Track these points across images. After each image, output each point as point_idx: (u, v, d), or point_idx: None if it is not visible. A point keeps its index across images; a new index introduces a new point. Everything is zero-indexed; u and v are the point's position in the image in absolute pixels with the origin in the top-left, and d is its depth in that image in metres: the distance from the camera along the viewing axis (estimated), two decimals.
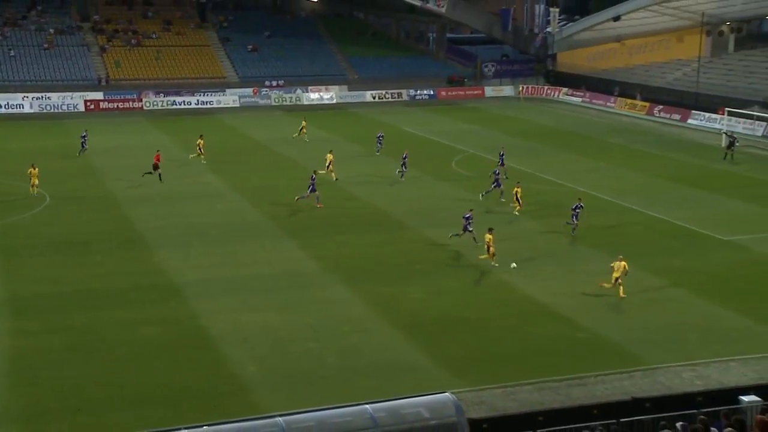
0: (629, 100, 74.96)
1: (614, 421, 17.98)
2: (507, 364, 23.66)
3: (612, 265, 28.51)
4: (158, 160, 44.81)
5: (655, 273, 30.73)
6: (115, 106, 73.19)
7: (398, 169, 46.38)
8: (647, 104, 72.52)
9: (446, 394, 16.56)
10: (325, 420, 15.91)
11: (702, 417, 15.80)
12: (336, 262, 32.25)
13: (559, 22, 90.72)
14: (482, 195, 41.36)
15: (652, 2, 75.19)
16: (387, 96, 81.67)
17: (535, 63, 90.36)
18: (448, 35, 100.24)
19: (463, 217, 33.66)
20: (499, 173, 42.14)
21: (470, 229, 33.42)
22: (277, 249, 33.99)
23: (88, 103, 72.79)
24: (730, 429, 13.12)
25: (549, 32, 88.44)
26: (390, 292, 29.14)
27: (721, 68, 75.42)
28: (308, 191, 39.62)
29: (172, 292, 29.16)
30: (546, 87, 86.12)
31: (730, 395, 19.36)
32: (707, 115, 65.69)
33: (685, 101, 70.91)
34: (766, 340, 24.88)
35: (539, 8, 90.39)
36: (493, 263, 31.27)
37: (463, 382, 22.21)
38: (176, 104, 74.84)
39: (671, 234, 36.02)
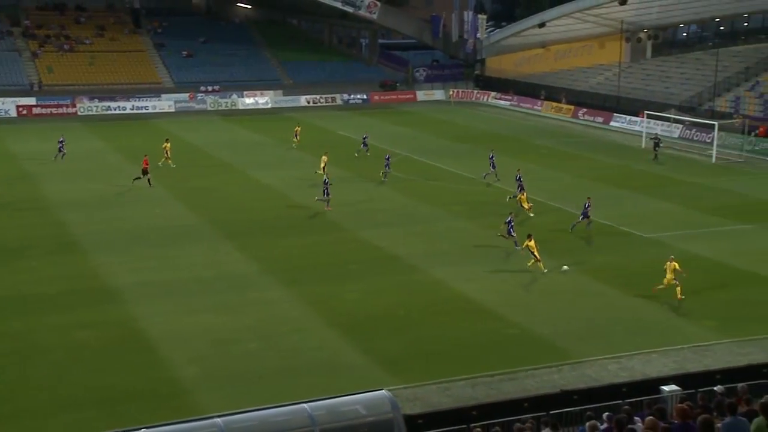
0: (555, 104, 76.20)
1: (544, 413, 18.27)
2: (441, 360, 23.84)
3: (664, 267, 28.11)
4: (147, 164, 44.26)
5: (580, 270, 31.31)
6: (49, 112, 71.48)
7: (382, 171, 46.94)
8: (572, 107, 73.82)
9: (382, 391, 16.61)
10: (264, 419, 15.81)
11: (626, 407, 16.19)
12: (274, 264, 32.09)
13: (487, 29, 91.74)
14: (509, 198, 41.19)
15: (575, 10, 76.65)
16: (321, 100, 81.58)
17: (464, 68, 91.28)
18: (380, 41, 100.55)
19: (505, 222, 33.80)
20: (520, 177, 41.31)
21: (513, 233, 33.34)
22: (215, 251, 33.66)
23: (21, 109, 70.98)
24: (651, 417, 13.47)
25: (478, 38, 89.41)
26: (327, 292, 29.12)
27: (640, 73, 77.19)
28: (324, 195, 39.77)
29: (109, 295, 28.63)
30: (475, 91, 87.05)
31: (652, 385, 19.85)
32: (628, 117, 67.14)
33: (607, 104, 72.39)
34: (685, 332, 25.56)
35: (468, 15, 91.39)
36: (543, 270, 30.40)
37: (399, 379, 22.31)
38: (111, 109, 73.47)
39: (597, 232, 36.71)
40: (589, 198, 36.78)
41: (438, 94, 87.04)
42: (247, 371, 23.14)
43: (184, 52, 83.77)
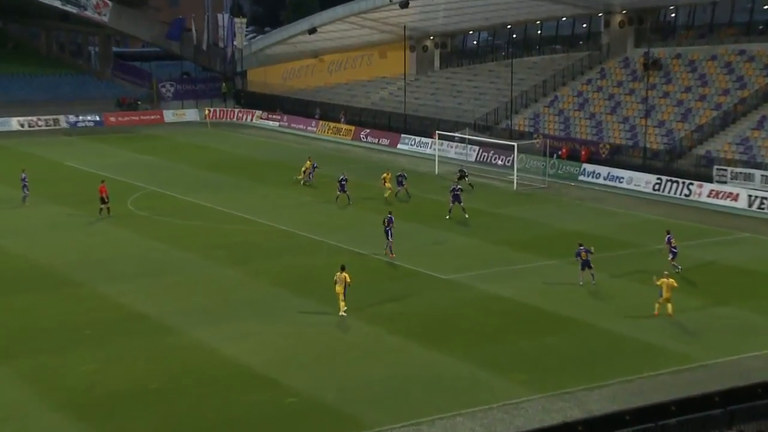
0: (332, 124, 77.69)
1: None
2: None
3: (658, 283, 31.72)
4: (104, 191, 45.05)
5: (369, 321, 31.77)
6: None
7: (22, 194, 48.82)
8: (352, 128, 75.53)
9: None
10: None
11: None
12: None
13: (247, 35, 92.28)
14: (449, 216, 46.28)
15: (350, 13, 78.64)
16: (40, 123, 78.61)
17: (222, 82, 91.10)
18: (115, 49, 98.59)
19: (578, 254, 35.54)
20: (460, 189, 47.38)
21: (591, 266, 35.36)
22: None
23: None
24: None
25: (236, 46, 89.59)
26: (54, 365, 27.75)
27: (429, 87, 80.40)
28: (389, 238, 39.33)
29: None
30: (237, 110, 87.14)
31: None
32: (418, 138, 69.62)
33: (393, 124, 74.67)
34: (492, 389, 26.43)
35: (223, 18, 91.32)
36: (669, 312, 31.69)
37: None
38: None
39: (387, 275, 37.48)
40: (668, 231, 37.83)
41: (190, 114, 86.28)
42: None
43: None
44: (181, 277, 36.76)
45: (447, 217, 46.33)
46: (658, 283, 31.79)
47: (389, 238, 39.27)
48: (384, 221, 39.67)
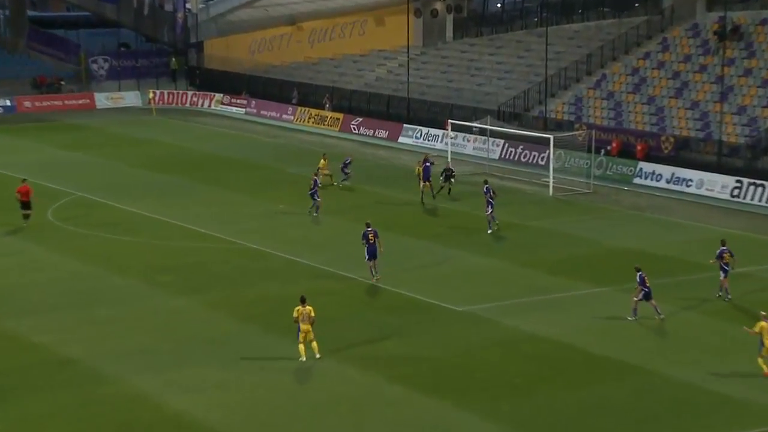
0: (315, 111, 77.56)
1: None
2: None
3: (755, 330, 30.17)
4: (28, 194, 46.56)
5: (363, 366, 31.64)
6: None
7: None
8: (340, 116, 75.42)
9: None
10: None
11: None
12: None
13: None
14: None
15: None
16: None
17: (170, 56, 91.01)
18: (30, 13, 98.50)
19: (642, 280, 34.82)
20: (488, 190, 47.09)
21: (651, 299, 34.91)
22: None
23: None
24: None
25: (189, 10, 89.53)
26: None
27: (439, 63, 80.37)
28: (375, 258, 39.35)
29: None
30: (190, 93, 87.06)
31: None
32: (425, 130, 69.48)
33: (393, 111, 74.54)
34: None
35: None
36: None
37: None
38: None
39: (384, 307, 37.32)
40: (723, 242, 37.73)
41: (130, 98, 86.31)
42: None
43: None
44: (117, 310, 36.65)
45: (489, 231, 46.91)
46: (756, 329, 30.46)
47: (376, 257, 39.10)
48: (368, 236, 39.14)
